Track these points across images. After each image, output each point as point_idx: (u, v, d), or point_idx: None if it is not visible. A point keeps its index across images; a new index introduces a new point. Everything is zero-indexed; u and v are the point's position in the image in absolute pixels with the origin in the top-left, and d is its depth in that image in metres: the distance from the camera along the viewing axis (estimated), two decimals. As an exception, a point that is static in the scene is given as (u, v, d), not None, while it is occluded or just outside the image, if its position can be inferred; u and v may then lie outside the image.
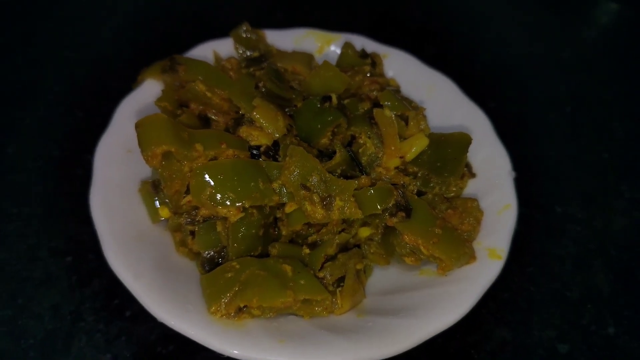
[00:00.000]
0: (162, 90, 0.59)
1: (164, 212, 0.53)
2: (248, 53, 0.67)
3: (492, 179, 0.59)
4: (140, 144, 0.48)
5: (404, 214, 0.51)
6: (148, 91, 0.64)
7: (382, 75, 0.68)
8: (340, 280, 0.53)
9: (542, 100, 0.89)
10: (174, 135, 0.48)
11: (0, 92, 0.80)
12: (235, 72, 0.61)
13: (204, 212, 0.50)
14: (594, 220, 0.70)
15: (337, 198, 0.50)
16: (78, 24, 0.95)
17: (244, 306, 0.48)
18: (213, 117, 0.58)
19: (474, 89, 0.73)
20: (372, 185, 0.52)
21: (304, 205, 0.51)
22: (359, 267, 0.55)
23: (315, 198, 0.51)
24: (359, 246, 0.57)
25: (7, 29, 0.92)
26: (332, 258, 0.54)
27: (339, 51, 0.71)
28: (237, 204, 0.49)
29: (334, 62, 0.70)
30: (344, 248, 0.56)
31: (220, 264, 0.53)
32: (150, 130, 0.48)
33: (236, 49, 0.69)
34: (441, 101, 0.68)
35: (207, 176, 0.49)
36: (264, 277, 0.48)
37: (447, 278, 0.52)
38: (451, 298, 0.49)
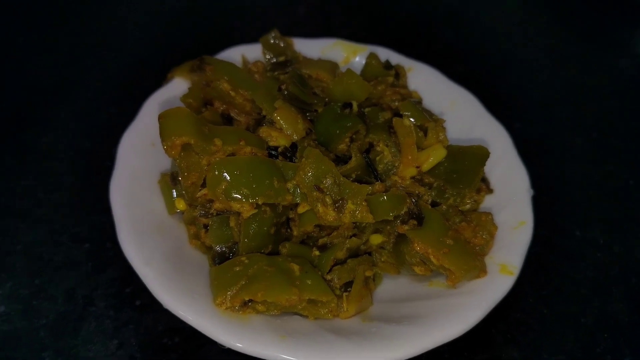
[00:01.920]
0: (189, 88, 0.61)
1: (180, 204, 0.55)
2: (275, 59, 0.68)
3: (509, 195, 0.58)
4: (161, 134, 0.49)
5: (415, 222, 0.51)
6: (175, 88, 0.66)
7: (405, 87, 0.68)
8: (348, 285, 0.53)
9: (569, 124, 0.87)
10: (195, 128, 0.50)
11: (42, 86, 0.85)
12: (261, 75, 0.63)
13: (218, 205, 0.51)
14: (615, 246, 0.68)
15: (350, 201, 0.51)
16: (117, 27, 1.00)
17: (249, 301, 0.48)
18: (235, 116, 0.60)
19: (500, 109, 0.73)
20: (386, 191, 0.53)
21: (316, 207, 0.51)
22: (368, 274, 0.55)
23: (328, 200, 0.51)
24: (369, 254, 0.57)
25: (55, 30, 0.98)
26: (341, 262, 0.54)
27: (364, 62, 0.72)
28: (251, 201, 0.50)
29: (358, 72, 0.71)
30: (355, 254, 0.56)
31: (231, 259, 0.54)
32: (172, 122, 0.49)
33: (264, 53, 0.70)
34: (462, 115, 0.68)
35: (223, 171, 0.50)
36: (271, 273, 0.49)
37: (456, 290, 0.51)
38: (458, 310, 0.48)
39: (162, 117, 0.50)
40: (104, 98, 0.83)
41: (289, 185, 0.53)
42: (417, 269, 0.53)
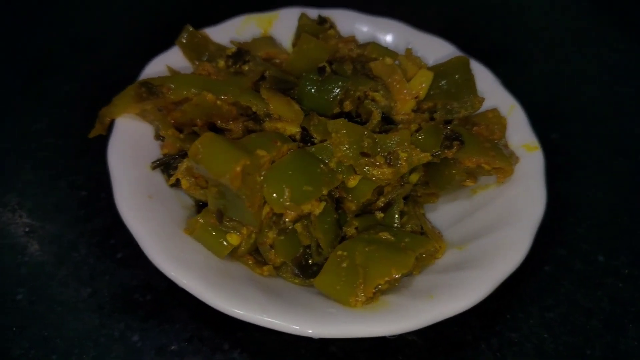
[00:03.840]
0: (158, 123, 0.52)
1: (234, 239, 0.48)
2: (207, 54, 0.61)
3: (484, 90, 0.63)
4: (213, 171, 0.41)
5: (458, 142, 0.53)
6: (125, 130, 0.55)
7: (340, 35, 0.68)
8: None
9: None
10: (238, 148, 0.43)
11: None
12: (218, 75, 0.56)
13: (291, 215, 0.47)
14: (641, 279, 0.60)
15: (399, 151, 0.51)
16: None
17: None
18: (223, 126, 0.53)
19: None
20: (417, 130, 0.53)
21: (370, 172, 0.50)
22: (422, 211, 0.57)
23: (380, 159, 0.50)
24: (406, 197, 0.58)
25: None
26: (402, 213, 0.54)
27: (283, 29, 0.69)
28: (318, 195, 0.47)
29: (286, 38, 0.69)
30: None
31: (310, 264, 0.50)
32: (216, 153, 0.42)
33: (187, 55, 0.63)
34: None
35: (280, 179, 0.45)
36: (377, 251, 0.47)
37: (508, 184, 0.56)
38: (528, 194, 0.54)
39: (197, 154, 0.42)
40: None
41: (331, 165, 0.50)
42: (467, 183, 0.56)
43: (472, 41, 0.79)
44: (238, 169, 0.42)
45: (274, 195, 0.45)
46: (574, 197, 0.69)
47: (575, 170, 0.73)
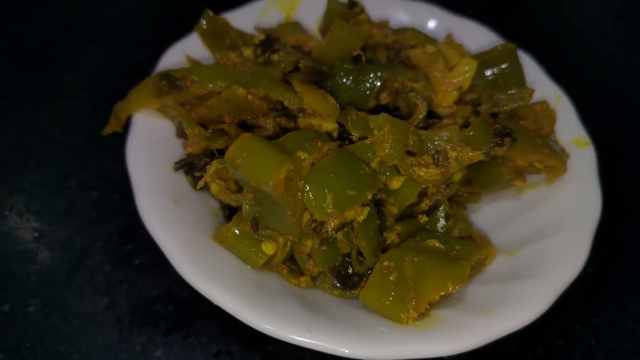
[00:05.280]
0: (183, 119, 0.47)
1: (269, 248, 0.44)
2: (228, 41, 0.56)
3: (527, 80, 0.59)
4: (254, 177, 0.37)
5: (509, 139, 0.48)
6: (144, 127, 0.50)
7: (370, 20, 0.63)
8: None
9: None
10: (280, 151, 0.38)
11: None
12: (244, 65, 0.51)
13: (334, 224, 0.42)
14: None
15: (448, 149, 0.46)
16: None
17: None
18: (253, 123, 0.48)
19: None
20: (465, 125, 0.49)
21: (415, 172, 0.46)
22: (465, 213, 0.53)
23: (427, 159, 0.46)
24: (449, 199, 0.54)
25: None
26: (447, 217, 0.50)
27: (308, 13, 0.64)
28: (362, 200, 0.43)
29: (311, 24, 0.64)
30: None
31: (350, 275, 0.46)
32: (256, 158, 0.37)
33: (206, 44, 0.57)
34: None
35: (321, 184, 0.41)
36: (429, 262, 0.43)
37: (559, 183, 0.52)
38: (582, 194, 0.50)
39: (234, 159, 0.37)
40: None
41: (373, 165, 0.46)
42: (516, 182, 0.52)
43: (499, 26, 0.72)
44: (282, 175, 0.37)
45: (316, 201, 0.40)
46: (613, 191, 0.62)
47: (614, 164, 0.68)
